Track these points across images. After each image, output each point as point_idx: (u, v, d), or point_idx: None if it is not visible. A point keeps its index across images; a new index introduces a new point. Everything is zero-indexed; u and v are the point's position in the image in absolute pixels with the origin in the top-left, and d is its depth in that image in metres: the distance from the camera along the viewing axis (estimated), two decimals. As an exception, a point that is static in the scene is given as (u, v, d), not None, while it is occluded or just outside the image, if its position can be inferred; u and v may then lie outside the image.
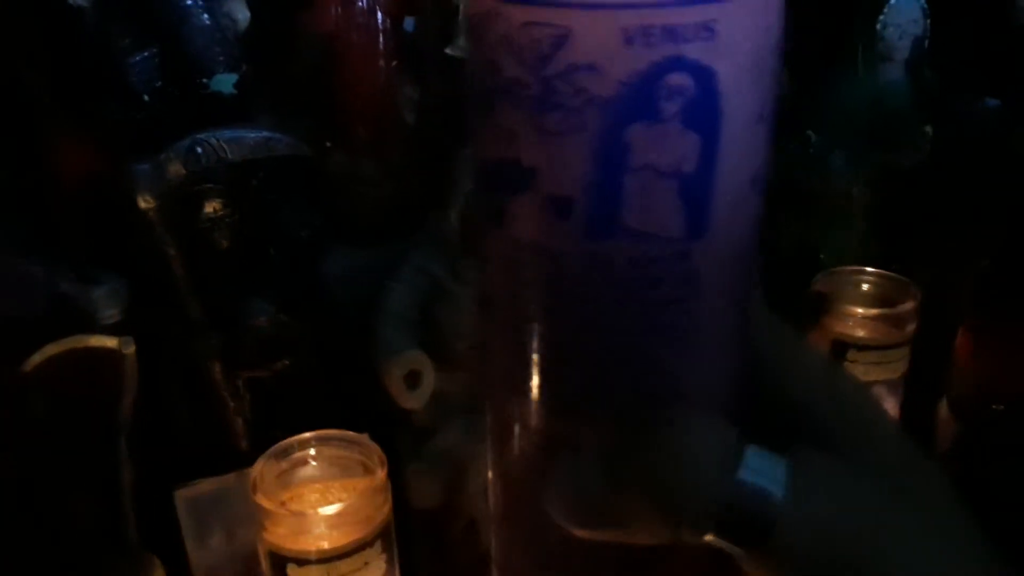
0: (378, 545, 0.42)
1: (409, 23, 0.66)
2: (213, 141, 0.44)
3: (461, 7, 0.63)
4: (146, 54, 0.53)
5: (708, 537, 0.18)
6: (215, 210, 0.45)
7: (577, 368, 0.20)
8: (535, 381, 0.20)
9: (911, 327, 0.56)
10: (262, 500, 0.41)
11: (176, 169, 0.43)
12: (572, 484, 0.20)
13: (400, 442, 0.55)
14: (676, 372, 0.19)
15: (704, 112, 0.17)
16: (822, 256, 0.64)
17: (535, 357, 0.20)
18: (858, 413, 0.22)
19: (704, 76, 0.17)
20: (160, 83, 0.54)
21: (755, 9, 0.18)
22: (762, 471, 0.18)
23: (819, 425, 0.20)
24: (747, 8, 0.18)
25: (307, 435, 0.44)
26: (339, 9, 0.59)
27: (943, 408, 0.61)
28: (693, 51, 0.17)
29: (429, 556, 0.54)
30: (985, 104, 0.67)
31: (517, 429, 0.21)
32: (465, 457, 0.53)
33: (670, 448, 0.18)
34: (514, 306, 0.20)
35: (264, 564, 0.42)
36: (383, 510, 0.43)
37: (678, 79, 0.17)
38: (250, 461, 0.46)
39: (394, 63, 0.62)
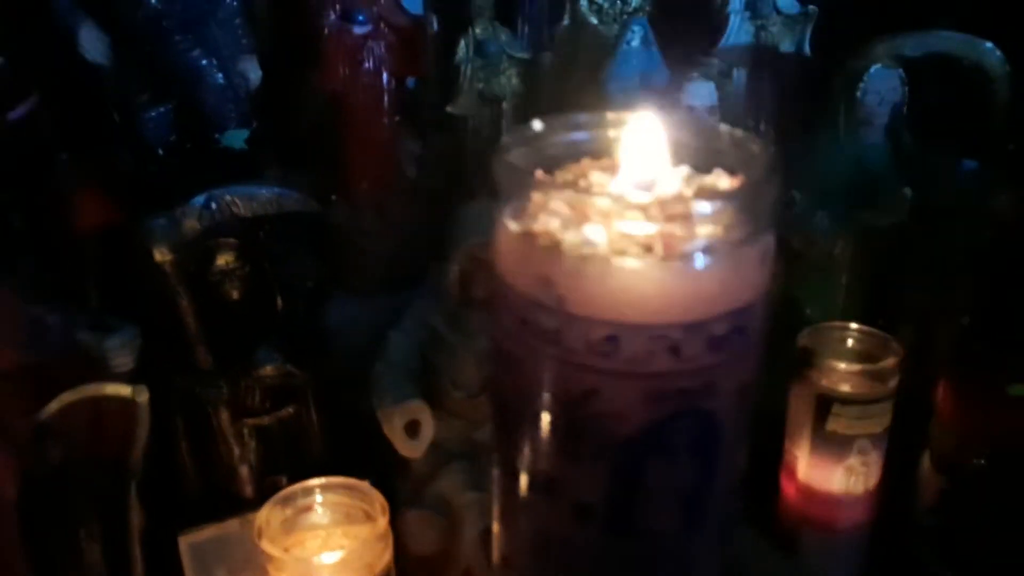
0: (379, 591, 0.44)
1: (411, 82, 0.69)
2: (227, 197, 0.46)
3: (462, 68, 0.67)
4: (162, 110, 0.55)
5: None
6: (227, 263, 0.47)
7: None
8: None
9: (893, 382, 0.58)
10: (267, 546, 0.42)
11: (191, 224, 0.45)
12: None
13: (399, 488, 0.56)
14: None
15: (706, 441, 0.22)
16: (808, 312, 0.67)
17: None
18: None
19: (706, 416, 0.22)
20: (174, 138, 0.56)
21: (742, 366, 0.22)
22: None
23: None
24: (736, 367, 0.22)
25: (312, 482, 0.46)
26: (346, 69, 0.62)
27: (926, 462, 0.63)
28: (698, 402, 0.22)
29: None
30: (962, 166, 0.70)
31: None
32: (462, 504, 0.54)
33: None
34: (541, 552, 0.25)
35: (268, 609, 0.43)
36: (384, 557, 0.44)
37: (687, 423, 0.22)
38: (253, 507, 0.47)
39: (397, 119, 0.65)
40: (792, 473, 0.61)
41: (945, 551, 0.63)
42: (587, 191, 0.22)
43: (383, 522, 0.44)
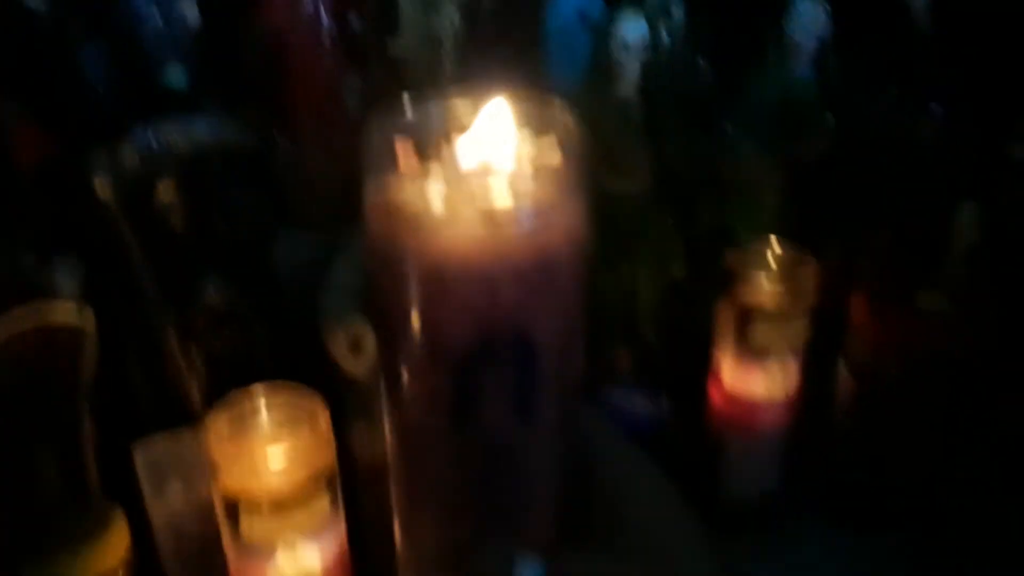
0: (323, 486, 0.47)
1: (353, 18, 0.70)
2: (166, 131, 0.48)
3: (401, 5, 0.68)
4: (99, 49, 0.57)
5: None
6: (168, 196, 0.49)
7: (445, 494, 0.31)
8: (417, 493, 0.32)
9: (811, 296, 0.62)
10: (214, 447, 0.46)
11: (131, 157, 0.47)
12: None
13: (347, 403, 0.59)
14: (519, 492, 0.31)
15: (526, 359, 0.27)
16: (737, 235, 0.70)
17: (416, 484, 0.32)
18: (646, 502, 0.32)
19: (524, 340, 0.27)
20: (113, 76, 0.58)
21: (553, 302, 0.27)
22: (527, 571, 0.29)
23: (620, 521, 0.31)
24: (548, 303, 0.27)
25: (255, 387, 0.49)
26: (286, 6, 0.64)
27: (842, 369, 0.68)
28: (517, 329, 0.27)
29: (374, 506, 0.59)
30: (884, 95, 0.73)
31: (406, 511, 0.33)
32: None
33: (477, 564, 0.30)
34: (409, 454, 0.31)
35: (218, 508, 0.47)
36: (327, 455, 0.48)
37: (508, 344, 0.27)
38: (202, 419, 0.50)
39: (338, 56, 0.67)
40: (719, 382, 0.66)
41: (859, 452, 0.68)
42: (429, 166, 0.27)
43: (323, 421, 0.48)
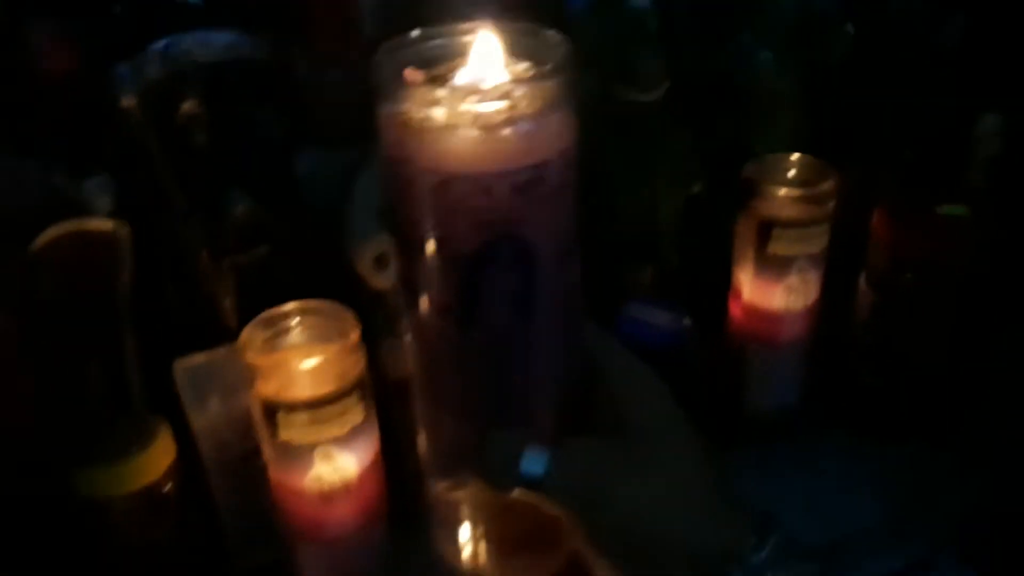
0: (356, 395, 0.49)
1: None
2: (186, 43, 0.48)
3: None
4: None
5: (515, 492, 0.32)
6: (191, 108, 0.50)
7: (460, 390, 0.34)
8: (435, 390, 0.35)
9: (830, 205, 0.62)
10: (252, 358, 0.47)
11: (153, 69, 0.47)
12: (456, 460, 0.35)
13: (374, 321, 0.60)
14: (526, 388, 0.33)
15: (522, 259, 0.30)
16: (756, 148, 0.70)
17: (434, 382, 0.34)
18: (646, 402, 0.34)
19: (520, 241, 0.29)
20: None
21: (546, 206, 0.30)
22: (532, 461, 0.32)
23: (620, 419, 0.33)
24: (540, 207, 0.29)
25: (288, 305, 0.50)
26: (300, -80, 0.63)
27: (861, 281, 0.68)
28: (512, 230, 0.29)
29: (406, 420, 0.60)
30: (906, 3, 0.72)
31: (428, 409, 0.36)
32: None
33: (487, 454, 0.33)
34: (426, 355, 0.34)
35: (257, 415, 0.49)
36: (358, 366, 0.49)
37: (505, 245, 0.29)
38: (237, 336, 0.51)
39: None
40: (738, 295, 0.66)
41: (875, 361, 0.69)
42: (434, 84, 0.30)
43: (355, 336, 0.49)
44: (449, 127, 0.28)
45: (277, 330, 0.50)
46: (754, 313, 0.66)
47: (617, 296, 0.69)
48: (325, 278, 0.58)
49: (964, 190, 0.66)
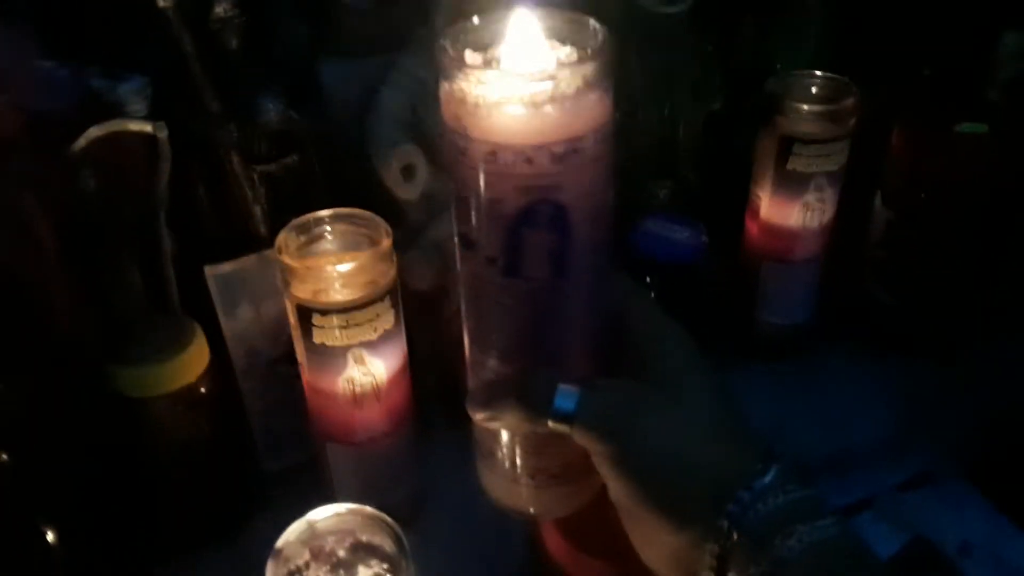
0: (387, 301, 0.50)
1: None
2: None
3: None
4: None
5: (549, 424, 0.36)
6: (224, 11, 0.50)
7: (502, 333, 0.38)
8: (480, 332, 0.39)
9: (851, 122, 0.63)
10: (287, 260, 0.48)
11: (189, -30, 0.47)
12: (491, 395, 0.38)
13: (397, 234, 0.61)
14: (562, 333, 0.37)
15: (558, 219, 0.34)
16: (778, 65, 0.70)
17: (479, 325, 0.39)
18: (669, 348, 0.38)
19: (557, 204, 0.34)
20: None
21: (580, 174, 0.33)
22: (565, 397, 0.36)
23: (644, 359, 0.37)
24: (575, 175, 0.33)
25: (322, 212, 0.51)
26: None
27: (877, 200, 0.69)
28: (549, 195, 0.33)
29: (426, 331, 0.62)
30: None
31: (473, 351, 0.40)
32: (453, 247, 0.60)
33: (522, 391, 0.37)
34: (474, 299, 0.38)
35: (292, 317, 0.50)
36: (389, 274, 0.50)
37: (544, 207, 0.34)
38: (268, 244, 0.52)
39: None
40: (755, 212, 0.67)
41: (889, 279, 0.71)
42: (487, 67, 0.34)
43: (387, 243, 0.50)
44: (498, 104, 0.32)
45: (311, 236, 0.51)
46: (770, 230, 0.67)
47: (635, 210, 0.69)
48: (350, 188, 0.58)
49: (984, 109, 0.66)
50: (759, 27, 0.68)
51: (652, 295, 0.67)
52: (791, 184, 0.64)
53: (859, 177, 0.67)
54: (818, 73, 0.64)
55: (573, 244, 0.35)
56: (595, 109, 0.33)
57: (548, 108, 0.32)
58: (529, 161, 0.33)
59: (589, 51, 0.34)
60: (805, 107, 0.62)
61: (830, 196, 0.65)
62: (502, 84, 0.32)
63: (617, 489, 0.36)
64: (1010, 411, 0.71)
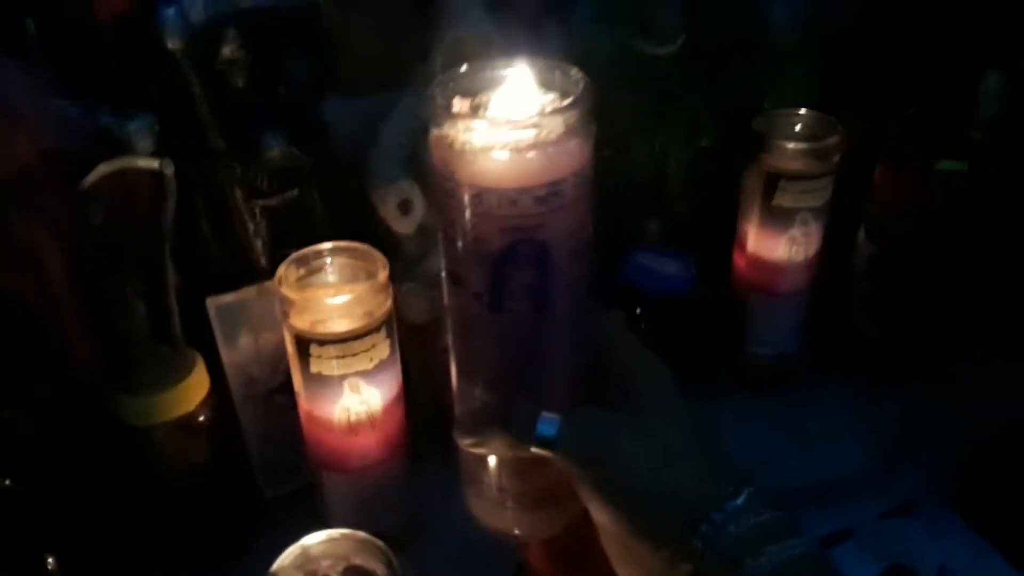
0: (383, 331, 0.52)
1: None
2: (226, -9, 0.50)
3: None
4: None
5: (532, 450, 0.38)
6: (231, 52, 0.52)
7: (487, 365, 0.39)
8: (467, 363, 0.40)
9: (835, 159, 0.65)
10: (287, 292, 0.50)
11: (197, 13, 0.49)
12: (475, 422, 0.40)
13: (393, 267, 0.63)
14: (544, 364, 0.39)
15: (540, 257, 0.35)
16: (766, 103, 0.72)
17: (467, 356, 0.40)
18: (647, 379, 0.39)
19: (539, 243, 0.35)
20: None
21: (561, 215, 0.35)
22: (546, 424, 0.38)
23: (623, 388, 0.39)
24: (556, 215, 0.35)
25: (322, 246, 0.53)
26: None
27: (861, 234, 0.71)
28: (532, 234, 0.35)
29: (421, 361, 0.64)
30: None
31: (461, 381, 0.41)
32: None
33: (506, 418, 0.39)
34: (461, 332, 0.40)
35: (290, 347, 0.51)
36: (385, 305, 0.52)
37: (527, 246, 0.35)
38: (268, 276, 0.54)
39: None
40: (743, 246, 0.69)
41: (873, 311, 0.72)
42: (473, 115, 0.36)
43: (383, 275, 0.52)
44: (484, 150, 0.34)
45: (311, 268, 0.53)
46: (758, 263, 0.69)
47: (628, 244, 0.71)
48: (349, 221, 0.60)
49: (965, 147, 0.68)
50: (747, 67, 0.71)
51: (643, 326, 0.68)
52: (777, 219, 0.66)
53: (843, 212, 0.69)
54: (802, 111, 0.66)
55: (554, 280, 0.36)
56: (575, 154, 0.35)
57: (531, 154, 0.34)
58: (513, 203, 0.34)
59: (571, 99, 0.36)
60: (790, 145, 0.64)
61: (815, 231, 0.67)
62: (488, 131, 0.34)
63: (597, 512, 0.38)
64: (992, 437, 0.72)
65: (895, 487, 0.71)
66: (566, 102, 0.35)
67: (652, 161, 0.71)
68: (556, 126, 0.34)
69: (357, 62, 0.63)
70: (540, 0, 0.69)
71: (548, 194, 0.34)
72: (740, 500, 0.36)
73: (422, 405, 0.63)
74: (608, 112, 0.67)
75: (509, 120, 0.35)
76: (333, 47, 0.63)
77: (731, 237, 0.71)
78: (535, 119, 0.34)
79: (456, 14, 0.61)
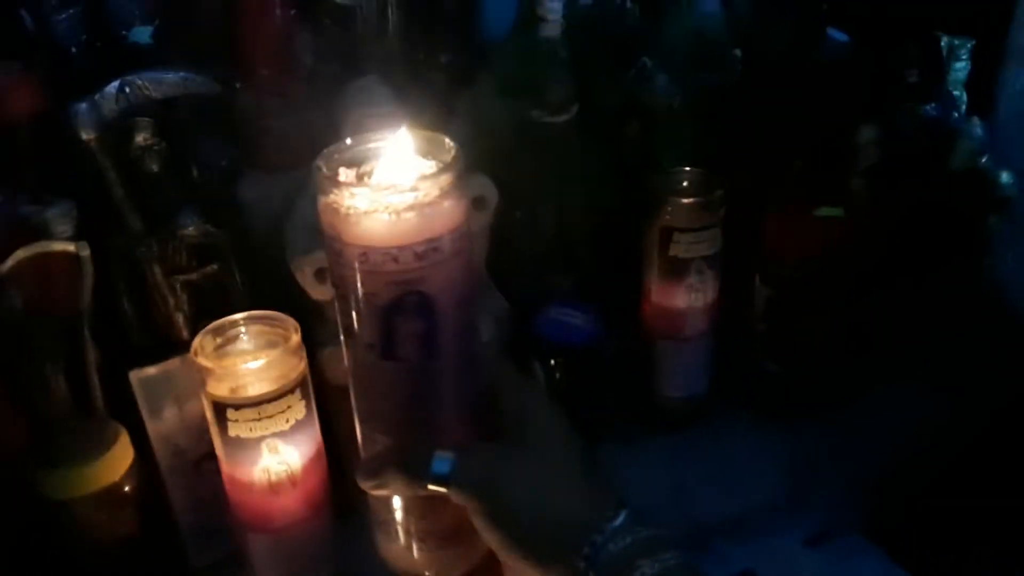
0: (298, 393, 0.54)
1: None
2: (139, 81, 0.54)
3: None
4: (71, 11, 0.62)
5: (429, 487, 0.41)
6: (145, 139, 0.55)
7: (384, 410, 0.43)
8: (366, 410, 0.44)
9: (720, 211, 0.70)
10: (203, 361, 0.52)
11: (110, 106, 0.53)
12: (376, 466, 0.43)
13: (317, 332, 0.66)
14: (437, 406, 0.42)
15: (425, 308, 0.39)
16: (659, 162, 0.77)
17: (365, 404, 0.44)
18: (532, 415, 0.43)
19: (422, 294, 0.39)
20: (85, 37, 0.63)
21: (441, 268, 0.39)
22: (440, 462, 0.41)
23: (512, 426, 0.43)
24: (437, 269, 0.39)
25: (237, 316, 0.55)
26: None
27: (756, 278, 0.76)
28: (415, 287, 0.39)
29: (345, 423, 0.66)
30: (788, 28, 0.80)
31: (362, 427, 0.45)
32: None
33: (402, 459, 0.42)
34: (358, 381, 0.43)
35: (209, 413, 0.54)
36: (299, 367, 0.55)
37: (412, 298, 0.39)
38: (189, 348, 0.57)
39: (292, 12, 0.72)
40: (647, 296, 0.74)
41: (772, 349, 0.77)
42: (356, 183, 0.39)
43: (295, 339, 0.54)
44: (367, 213, 0.38)
45: (226, 337, 0.55)
46: (661, 311, 0.73)
47: (541, 300, 0.75)
48: (270, 292, 0.63)
49: (843, 194, 0.74)
50: (640, 131, 0.76)
51: (557, 376, 0.72)
52: (674, 269, 0.71)
53: (738, 259, 0.74)
54: (688, 168, 0.72)
55: (440, 328, 0.40)
56: (451, 213, 0.39)
57: (409, 215, 0.38)
58: (395, 260, 0.38)
59: (444, 165, 0.39)
60: (680, 200, 0.69)
61: (711, 277, 0.72)
62: (369, 197, 0.38)
63: (491, 540, 0.41)
64: (898, 464, 0.77)
65: (808, 517, 0.75)
66: (440, 167, 0.39)
67: (558, 221, 0.75)
68: (432, 189, 0.38)
69: (271, 140, 0.67)
70: (446, 77, 0.75)
71: (427, 250, 0.38)
72: (618, 521, 0.40)
73: (348, 462, 0.65)
74: (514, 177, 0.72)
75: (389, 185, 0.38)
76: (248, 128, 0.66)
77: (637, 288, 0.75)
78: (412, 184, 0.38)
79: (363, 93, 0.66)
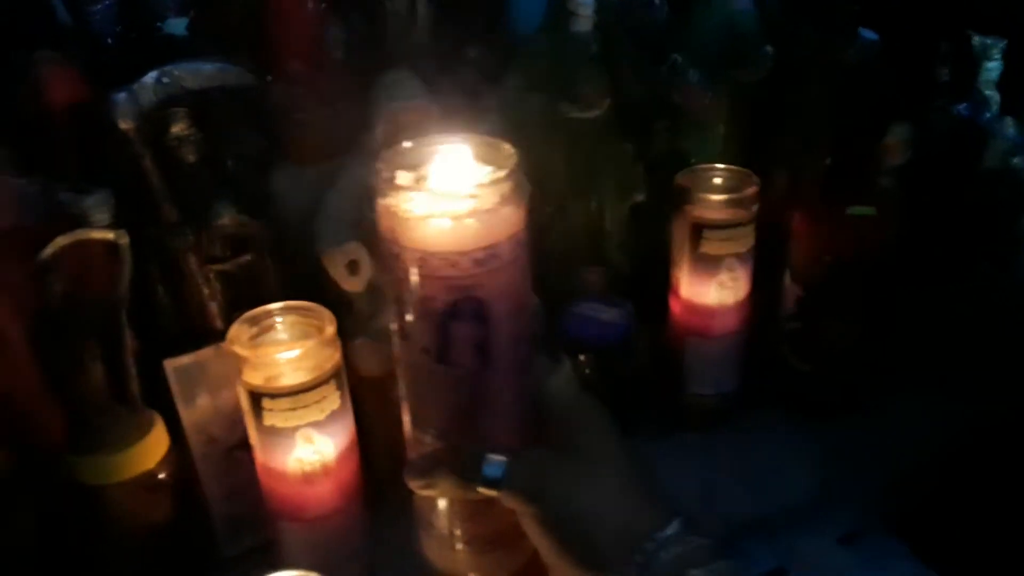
0: (333, 383, 0.54)
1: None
2: (176, 72, 0.54)
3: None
4: (107, 3, 0.62)
5: (479, 490, 0.41)
6: (181, 130, 0.56)
7: (436, 413, 0.43)
8: (418, 413, 0.44)
9: (753, 208, 0.70)
10: (239, 349, 0.53)
11: (148, 96, 0.53)
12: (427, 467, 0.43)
13: (346, 324, 0.66)
14: (489, 411, 0.42)
15: (481, 313, 0.39)
16: (689, 158, 0.77)
17: (417, 406, 0.44)
18: (585, 422, 0.43)
19: (479, 300, 0.39)
20: (120, 29, 0.63)
21: (498, 274, 0.39)
22: (492, 466, 0.41)
23: (563, 432, 0.43)
24: (494, 275, 0.39)
25: (272, 305, 0.56)
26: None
27: (786, 276, 0.76)
28: (472, 292, 0.39)
29: (376, 412, 0.66)
30: (819, 27, 0.80)
31: (413, 429, 0.45)
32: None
33: (454, 460, 0.42)
34: (411, 383, 0.43)
35: (244, 402, 0.54)
36: (334, 357, 0.55)
37: (468, 303, 0.39)
38: (223, 337, 0.57)
39: (323, 5, 0.72)
40: (676, 292, 0.74)
41: (802, 348, 0.77)
42: (414, 187, 0.39)
43: (331, 330, 0.55)
44: (426, 218, 0.38)
45: (261, 327, 0.56)
46: (691, 308, 0.73)
47: (570, 295, 0.75)
48: (302, 283, 0.64)
49: (874, 193, 0.73)
50: (670, 127, 0.76)
51: (587, 371, 0.72)
52: (705, 265, 0.70)
53: (768, 256, 0.74)
54: (720, 166, 0.71)
55: (495, 334, 0.40)
56: (510, 219, 0.39)
57: (469, 221, 0.38)
58: (454, 265, 0.38)
59: (504, 172, 0.39)
60: (711, 197, 0.69)
61: (742, 275, 0.71)
62: (429, 202, 0.38)
63: (541, 546, 0.41)
64: (927, 464, 0.76)
65: (838, 517, 0.74)
66: (500, 174, 0.39)
67: (589, 217, 0.75)
68: (492, 196, 0.38)
69: (303, 133, 0.67)
70: (476, 72, 0.75)
71: (486, 256, 0.38)
72: (670, 530, 0.39)
73: (378, 454, 0.66)
74: (544, 173, 0.72)
75: (449, 191, 0.39)
76: (280, 120, 0.67)
77: (667, 284, 0.75)
78: (473, 190, 0.38)
79: (395, 86, 0.66)
